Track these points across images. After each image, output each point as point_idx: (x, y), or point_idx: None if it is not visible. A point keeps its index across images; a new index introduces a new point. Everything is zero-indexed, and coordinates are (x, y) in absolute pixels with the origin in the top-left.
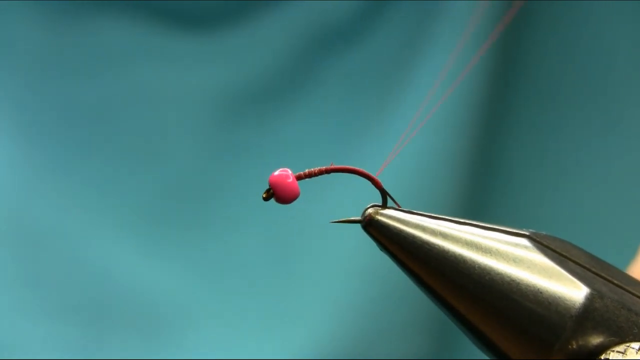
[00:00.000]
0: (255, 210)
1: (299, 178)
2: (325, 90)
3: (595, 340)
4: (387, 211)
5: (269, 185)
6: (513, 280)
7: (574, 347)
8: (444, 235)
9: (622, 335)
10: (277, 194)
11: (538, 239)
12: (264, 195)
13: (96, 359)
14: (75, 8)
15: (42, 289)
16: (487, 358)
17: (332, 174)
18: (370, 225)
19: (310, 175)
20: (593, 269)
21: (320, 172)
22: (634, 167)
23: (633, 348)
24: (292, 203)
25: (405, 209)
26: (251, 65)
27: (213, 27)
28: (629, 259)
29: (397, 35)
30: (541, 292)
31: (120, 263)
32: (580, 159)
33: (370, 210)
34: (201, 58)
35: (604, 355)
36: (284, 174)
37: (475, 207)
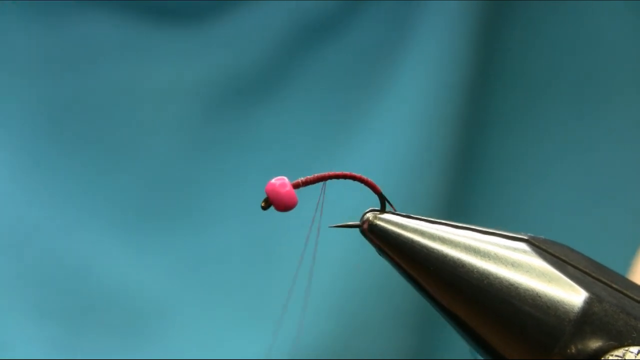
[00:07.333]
0: (237, 205)
1: (296, 186)
2: (307, 86)
3: (594, 344)
4: (385, 215)
5: (266, 195)
6: (512, 285)
7: (573, 351)
8: (443, 240)
9: (620, 339)
10: (274, 203)
11: (537, 243)
12: (262, 205)
13: (78, 359)
14: (55, 4)
15: (22, 285)
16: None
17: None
18: (369, 230)
19: (307, 182)
20: (592, 273)
21: (318, 179)
22: (621, 163)
23: (631, 352)
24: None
25: (403, 214)
26: (233, 60)
27: (195, 21)
28: (617, 255)
29: (379, 32)
30: (540, 296)
31: (101, 259)
32: (568, 157)
33: (369, 215)
34: (183, 53)
35: (602, 358)
36: (280, 182)
37: (464, 206)
